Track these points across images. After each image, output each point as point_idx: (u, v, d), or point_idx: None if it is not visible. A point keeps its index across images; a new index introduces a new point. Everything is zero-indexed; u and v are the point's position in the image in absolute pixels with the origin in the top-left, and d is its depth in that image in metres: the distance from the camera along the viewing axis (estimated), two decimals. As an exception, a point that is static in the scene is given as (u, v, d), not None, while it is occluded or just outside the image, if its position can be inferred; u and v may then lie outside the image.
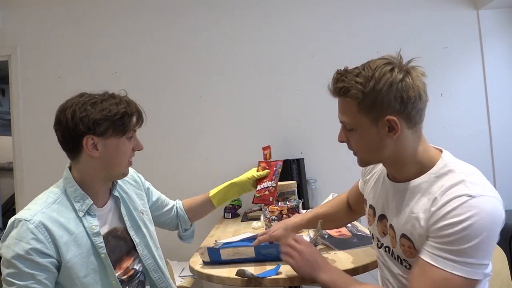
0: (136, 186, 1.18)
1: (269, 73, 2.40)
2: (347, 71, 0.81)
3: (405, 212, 0.81)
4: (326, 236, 1.27)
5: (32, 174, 2.45)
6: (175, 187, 2.37)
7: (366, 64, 0.80)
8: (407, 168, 0.82)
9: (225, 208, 2.19)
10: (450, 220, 0.70)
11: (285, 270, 1.02)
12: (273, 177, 1.25)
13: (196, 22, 2.45)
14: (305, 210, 1.66)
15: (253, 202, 1.28)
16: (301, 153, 2.35)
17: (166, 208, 1.28)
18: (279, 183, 1.45)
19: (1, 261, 0.86)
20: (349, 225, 1.36)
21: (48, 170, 2.44)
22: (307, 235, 1.37)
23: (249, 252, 1.11)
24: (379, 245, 0.94)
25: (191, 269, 1.16)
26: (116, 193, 1.08)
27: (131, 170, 1.17)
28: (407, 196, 0.82)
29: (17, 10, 2.53)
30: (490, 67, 2.30)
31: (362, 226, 1.46)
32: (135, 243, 1.07)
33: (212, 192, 1.30)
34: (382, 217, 0.91)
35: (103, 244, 0.95)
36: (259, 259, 1.11)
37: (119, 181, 1.11)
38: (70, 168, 1.02)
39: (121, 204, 1.08)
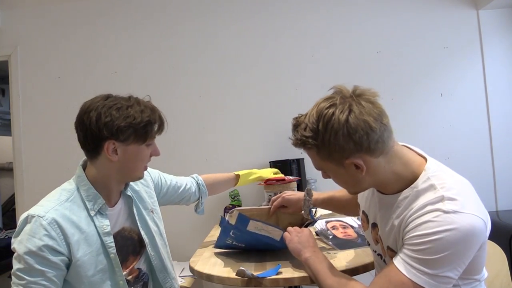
0: (145, 184, 1.18)
1: (269, 73, 2.39)
2: (298, 124, 0.85)
3: (389, 225, 0.84)
4: (331, 237, 1.27)
5: (32, 174, 2.45)
6: (175, 187, 2.38)
7: (311, 112, 0.83)
8: (391, 186, 0.83)
9: (225, 208, 2.19)
10: (421, 231, 0.72)
11: (285, 270, 1.03)
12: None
13: (196, 22, 2.45)
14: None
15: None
16: (301, 153, 2.34)
17: (181, 189, 1.33)
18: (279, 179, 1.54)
19: (14, 255, 0.87)
20: (356, 225, 1.36)
21: (48, 170, 2.45)
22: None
23: (276, 234, 1.10)
24: (373, 250, 0.98)
25: (191, 269, 1.16)
26: (128, 193, 1.08)
27: None
28: (391, 209, 0.83)
29: (17, 10, 2.53)
30: (490, 67, 2.30)
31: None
32: (145, 243, 1.07)
33: (241, 172, 1.51)
34: (375, 225, 0.92)
35: (113, 244, 0.96)
36: (280, 246, 1.10)
37: None
38: (83, 166, 1.02)
39: (133, 204, 1.08)
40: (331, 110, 0.77)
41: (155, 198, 1.20)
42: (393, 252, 0.82)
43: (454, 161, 2.23)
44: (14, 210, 2.92)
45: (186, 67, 2.44)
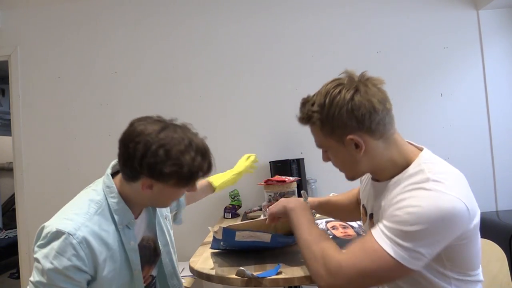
0: None
1: (269, 73, 2.39)
2: (306, 101, 0.88)
3: (380, 209, 0.86)
4: (331, 237, 1.27)
5: (32, 174, 2.45)
6: (175, 187, 2.37)
7: (320, 90, 0.86)
8: (386, 172, 0.86)
9: (225, 208, 2.19)
10: (400, 204, 0.75)
11: (285, 270, 1.03)
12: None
13: (197, 22, 2.45)
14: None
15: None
16: (301, 153, 2.35)
17: None
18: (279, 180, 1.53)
19: (36, 265, 0.83)
20: (356, 225, 1.36)
21: (48, 170, 2.45)
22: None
23: (265, 237, 1.09)
24: None
25: (191, 269, 1.16)
26: None
27: None
28: (383, 194, 0.86)
29: (17, 10, 2.53)
30: (490, 67, 2.30)
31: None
32: (161, 251, 1.07)
33: (216, 182, 1.43)
34: (371, 216, 0.95)
35: (138, 261, 0.94)
36: (273, 246, 1.10)
37: None
38: (112, 175, 0.96)
39: (155, 214, 1.07)
40: (338, 89, 0.81)
41: None
42: None
43: (454, 161, 2.22)
44: (14, 210, 2.91)
45: (186, 67, 2.44)
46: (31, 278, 0.84)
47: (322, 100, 0.82)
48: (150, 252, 1.06)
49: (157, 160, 0.83)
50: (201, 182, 1.38)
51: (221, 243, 1.14)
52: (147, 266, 1.05)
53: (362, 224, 1.05)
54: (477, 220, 0.76)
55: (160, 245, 1.07)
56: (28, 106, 2.49)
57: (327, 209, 1.23)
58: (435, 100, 2.31)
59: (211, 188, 1.42)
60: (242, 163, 1.55)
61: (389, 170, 0.84)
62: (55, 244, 0.82)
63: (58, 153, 2.44)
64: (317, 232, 0.87)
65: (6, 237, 4.05)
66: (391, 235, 0.72)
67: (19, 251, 2.44)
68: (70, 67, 2.49)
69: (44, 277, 0.82)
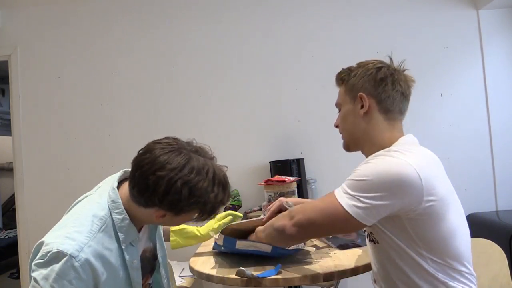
0: None
1: (269, 73, 2.40)
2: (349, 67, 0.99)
3: None
4: (331, 237, 1.27)
5: (32, 174, 2.45)
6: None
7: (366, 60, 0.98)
8: (372, 150, 0.90)
9: (225, 208, 2.18)
10: (360, 167, 0.83)
11: (285, 270, 1.03)
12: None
13: (196, 22, 2.45)
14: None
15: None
16: (301, 153, 2.35)
17: None
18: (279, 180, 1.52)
19: (33, 284, 0.77)
20: None
21: (48, 170, 2.45)
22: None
23: (266, 248, 1.08)
24: (367, 238, 0.99)
25: (191, 269, 1.16)
26: None
27: None
28: None
29: (17, 10, 2.53)
30: (490, 67, 2.30)
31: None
32: (159, 263, 1.07)
33: (173, 244, 1.26)
34: None
35: (140, 280, 0.92)
36: (274, 255, 1.10)
37: None
38: (117, 188, 0.91)
39: (156, 226, 1.06)
40: (373, 62, 0.95)
41: None
42: None
43: (454, 161, 2.23)
44: (14, 210, 2.91)
45: (186, 67, 2.44)
46: None
47: (361, 65, 0.96)
48: (150, 263, 1.05)
49: (180, 198, 0.80)
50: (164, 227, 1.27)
51: (222, 247, 1.16)
52: (146, 276, 1.04)
53: None
54: (438, 198, 0.77)
55: (159, 256, 1.07)
56: (28, 106, 2.49)
57: None
58: (435, 100, 2.31)
59: (167, 237, 1.27)
60: (210, 225, 1.31)
61: (375, 148, 0.89)
62: (56, 266, 0.76)
63: (58, 153, 2.44)
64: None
65: (6, 237, 4.05)
66: (345, 187, 0.81)
67: (19, 251, 2.44)
68: (70, 67, 2.49)
69: None
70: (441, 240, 0.79)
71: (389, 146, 0.88)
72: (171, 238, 1.27)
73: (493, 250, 1.13)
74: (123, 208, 0.87)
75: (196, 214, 0.87)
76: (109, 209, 0.87)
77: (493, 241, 1.16)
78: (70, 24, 2.51)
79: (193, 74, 2.43)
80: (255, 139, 2.37)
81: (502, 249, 1.13)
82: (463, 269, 0.81)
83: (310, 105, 2.34)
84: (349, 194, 0.79)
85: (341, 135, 1.00)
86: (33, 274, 0.78)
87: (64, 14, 2.51)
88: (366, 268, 1.04)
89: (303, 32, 2.39)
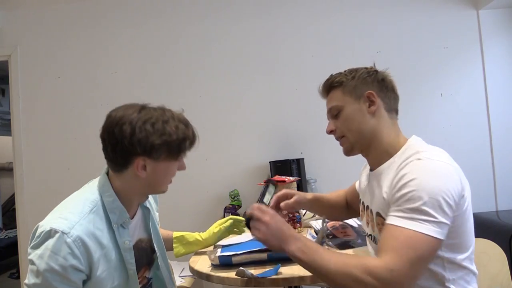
0: (154, 199, 1.19)
1: (269, 73, 2.40)
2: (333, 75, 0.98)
3: (377, 194, 0.89)
4: (330, 237, 1.27)
5: (32, 174, 2.45)
6: (175, 187, 2.37)
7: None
8: (381, 149, 0.91)
9: (225, 208, 2.19)
10: (401, 182, 0.78)
11: (285, 270, 1.03)
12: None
13: (196, 23, 2.45)
14: (305, 211, 1.66)
15: None
16: (301, 153, 2.35)
17: None
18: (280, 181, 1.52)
19: (30, 267, 0.81)
20: (356, 225, 1.36)
21: (48, 170, 2.45)
22: (307, 234, 1.37)
23: (262, 257, 1.11)
24: (369, 239, 0.98)
25: (191, 269, 1.16)
26: (147, 204, 1.07)
27: None
28: (378, 179, 0.90)
29: (17, 10, 2.53)
30: (490, 67, 2.30)
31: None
32: (156, 255, 1.07)
33: (176, 251, 1.28)
34: (367, 208, 0.97)
35: (133, 261, 0.93)
36: (271, 260, 1.11)
37: None
38: (107, 174, 0.95)
39: (150, 216, 1.07)
40: (367, 68, 0.98)
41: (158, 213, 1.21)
42: (381, 218, 0.86)
43: (454, 161, 2.23)
44: (14, 210, 2.92)
45: (186, 67, 2.44)
46: (26, 281, 0.82)
47: (353, 70, 0.97)
48: (147, 254, 1.05)
49: (146, 134, 0.86)
50: (166, 233, 1.30)
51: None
52: (144, 268, 1.04)
53: (361, 222, 1.05)
54: (467, 192, 0.81)
55: (156, 248, 1.07)
56: (28, 106, 2.49)
57: (316, 207, 1.21)
58: (435, 100, 2.31)
59: (170, 246, 1.28)
60: (211, 229, 1.36)
61: (381, 149, 0.90)
62: (49, 243, 0.80)
63: (58, 153, 2.44)
64: (340, 255, 0.80)
65: (6, 237, 4.05)
66: (414, 215, 0.73)
67: (19, 251, 2.44)
68: (70, 67, 2.49)
69: (39, 279, 0.79)
70: (466, 235, 0.81)
71: (396, 145, 0.89)
72: (173, 245, 1.28)
73: (493, 250, 1.13)
74: (113, 191, 0.91)
75: (165, 153, 0.89)
76: (100, 193, 0.91)
77: (493, 241, 1.16)
78: (70, 24, 2.51)
79: (193, 74, 2.43)
80: (255, 139, 2.37)
81: (502, 249, 1.13)
82: (473, 268, 0.82)
83: (310, 105, 2.34)
84: (428, 220, 0.72)
85: (340, 139, 0.95)
86: (30, 257, 0.81)
87: (64, 14, 2.51)
88: (366, 268, 1.04)
89: (303, 32, 2.39)
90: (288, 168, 2.12)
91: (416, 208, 0.73)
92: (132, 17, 2.48)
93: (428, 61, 2.31)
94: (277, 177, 1.59)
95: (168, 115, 0.92)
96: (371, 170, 0.96)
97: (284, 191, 1.16)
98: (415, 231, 0.72)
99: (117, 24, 2.48)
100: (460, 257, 0.80)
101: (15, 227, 2.56)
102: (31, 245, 0.82)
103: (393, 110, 0.95)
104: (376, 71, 0.96)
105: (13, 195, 3.97)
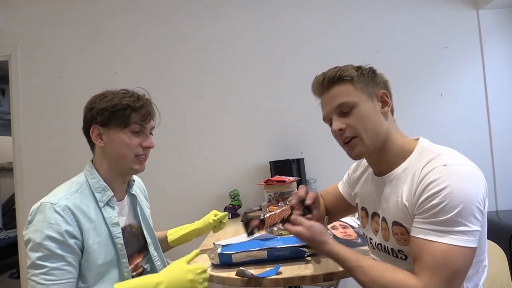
0: (143, 194, 1.22)
1: (269, 73, 2.40)
2: (335, 67, 0.91)
3: (393, 200, 0.84)
4: (331, 236, 1.27)
5: (32, 174, 2.45)
6: (175, 187, 2.38)
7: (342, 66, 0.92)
8: (393, 152, 0.87)
9: (225, 208, 2.19)
10: (430, 191, 0.73)
11: (285, 270, 1.03)
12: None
13: (196, 22, 2.45)
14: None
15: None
16: (301, 153, 2.35)
17: None
18: (280, 182, 1.52)
19: (29, 247, 0.85)
20: (355, 225, 1.36)
21: (48, 170, 2.45)
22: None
23: (262, 254, 1.11)
24: (373, 247, 0.96)
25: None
26: (133, 192, 1.11)
27: (139, 180, 1.23)
28: (392, 185, 0.86)
29: (17, 10, 2.53)
30: (490, 67, 2.30)
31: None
32: (147, 243, 1.09)
33: (170, 237, 1.32)
34: (374, 215, 0.93)
35: (120, 235, 0.98)
36: (271, 260, 1.11)
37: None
38: (92, 161, 1.06)
39: (137, 203, 1.11)
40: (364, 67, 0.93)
41: (149, 209, 1.23)
42: (400, 227, 0.81)
43: (454, 161, 2.23)
44: (14, 210, 2.92)
45: (186, 67, 2.44)
46: (28, 263, 0.84)
47: (358, 66, 0.91)
48: (139, 241, 1.08)
49: (94, 104, 0.99)
50: (162, 233, 1.33)
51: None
52: (136, 254, 1.06)
53: (362, 228, 1.02)
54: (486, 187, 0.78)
55: (147, 235, 1.10)
56: (28, 106, 2.49)
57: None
58: (435, 100, 2.31)
59: (166, 241, 1.32)
60: (207, 219, 1.36)
61: (393, 150, 0.86)
62: (41, 217, 0.86)
63: (58, 153, 2.44)
64: (381, 266, 0.79)
65: (6, 237, 4.05)
66: (448, 228, 0.70)
67: (19, 251, 2.44)
68: (70, 67, 2.49)
69: (41, 251, 0.83)
70: (483, 237, 0.79)
71: (408, 147, 0.85)
72: (167, 234, 1.32)
73: (493, 250, 1.13)
74: (97, 173, 1.01)
75: (112, 119, 0.97)
76: (85, 177, 1.01)
77: (493, 241, 1.16)
78: (70, 24, 2.51)
79: (193, 74, 2.43)
80: (255, 139, 2.37)
81: (502, 249, 1.13)
82: (485, 269, 0.83)
83: (310, 105, 2.33)
84: (463, 231, 0.70)
85: (350, 140, 0.86)
86: (25, 237, 0.86)
87: (64, 14, 2.51)
88: (366, 268, 1.04)
89: (303, 32, 2.39)
90: (288, 168, 2.12)
91: (449, 220, 0.70)
92: (132, 17, 2.48)
93: (428, 61, 2.31)
94: (277, 177, 1.59)
95: (123, 91, 1.03)
96: (377, 175, 0.92)
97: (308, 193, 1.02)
98: (451, 245, 0.69)
99: (117, 24, 2.48)
100: (475, 259, 0.77)
101: (15, 227, 2.56)
102: (25, 227, 0.88)
103: (393, 110, 0.93)
104: (376, 70, 0.93)
105: (13, 195, 3.97)
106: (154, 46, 2.46)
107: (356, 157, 0.88)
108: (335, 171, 2.32)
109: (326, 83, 0.89)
